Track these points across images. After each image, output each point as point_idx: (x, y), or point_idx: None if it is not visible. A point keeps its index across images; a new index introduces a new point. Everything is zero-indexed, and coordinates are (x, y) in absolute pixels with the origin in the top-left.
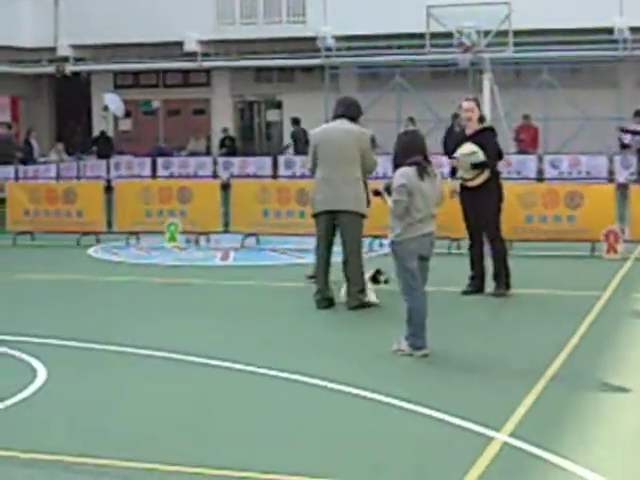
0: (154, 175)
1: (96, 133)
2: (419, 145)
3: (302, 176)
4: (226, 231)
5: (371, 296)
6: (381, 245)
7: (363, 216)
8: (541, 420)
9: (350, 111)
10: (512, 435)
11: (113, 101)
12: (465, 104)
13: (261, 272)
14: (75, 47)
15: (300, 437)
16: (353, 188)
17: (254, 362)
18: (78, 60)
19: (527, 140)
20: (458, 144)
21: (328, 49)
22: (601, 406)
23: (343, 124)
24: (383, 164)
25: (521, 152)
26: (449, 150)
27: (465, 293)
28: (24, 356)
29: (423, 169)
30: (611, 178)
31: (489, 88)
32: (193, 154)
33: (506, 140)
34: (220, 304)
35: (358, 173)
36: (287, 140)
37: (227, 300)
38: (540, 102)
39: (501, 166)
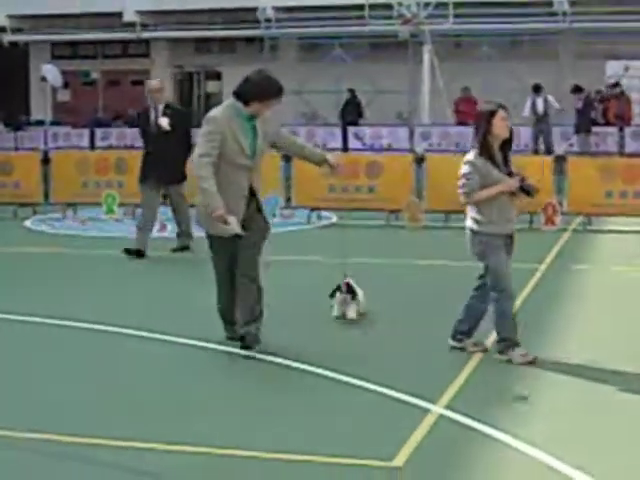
0: (92, 146)
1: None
2: None
3: None
4: (164, 203)
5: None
6: (319, 218)
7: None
8: (477, 393)
9: (238, 88)
10: (448, 407)
11: (51, 72)
12: None
13: (198, 243)
14: (13, 17)
15: (236, 409)
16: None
17: (181, 333)
18: (16, 30)
19: (466, 112)
20: None
21: (268, 20)
22: (537, 379)
23: None
24: (323, 136)
25: (460, 124)
26: None
27: None
28: None
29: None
30: (549, 150)
31: (429, 60)
32: (131, 125)
33: (446, 112)
34: (155, 275)
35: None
36: None
37: (163, 271)
38: (480, 74)
39: None
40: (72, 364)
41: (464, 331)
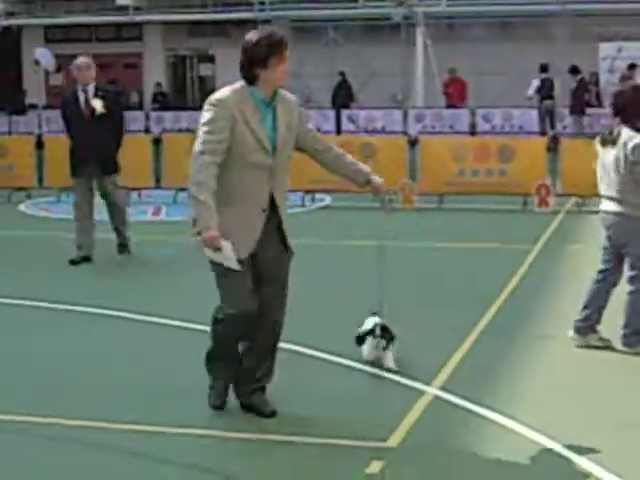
0: None
1: (28, 87)
2: None
3: None
4: (158, 186)
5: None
6: (313, 200)
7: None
8: (472, 373)
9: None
10: (443, 388)
11: (44, 55)
12: None
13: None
14: (5, 1)
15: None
16: None
17: (175, 316)
18: (9, 14)
19: (454, 94)
20: None
21: (261, 3)
22: (531, 359)
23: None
24: (316, 119)
25: (450, 106)
26: None
27: None
28: None
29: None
30: (543, 131)
31: (422, 42)
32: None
33: (438, 94)
34: (150, 260)
35: None
36: None
37: (157, 256)
38: (473, 56)
39: None
40: (67, 347)
41: (590, 325)
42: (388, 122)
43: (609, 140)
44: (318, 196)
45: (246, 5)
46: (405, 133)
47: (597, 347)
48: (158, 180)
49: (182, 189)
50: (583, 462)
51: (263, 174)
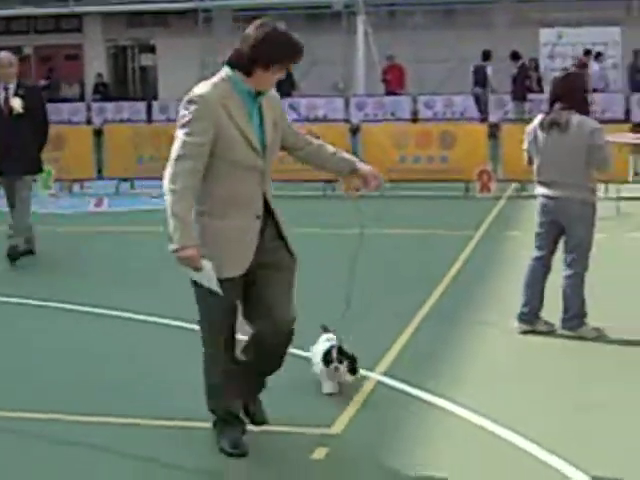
0: None
1: None
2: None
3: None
4: (100, 177)
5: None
6: None
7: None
8: (414, 359)
9: (235, 52)
10: (386, 374)
11: None
12: None
13: (136, 217)
14: None
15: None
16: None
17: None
18: None
19: (393, 80)
20: None
21: None
22: (473, 344)
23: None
24: None
25: (389, 93)
26: None
27: None
28: None
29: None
30: (483, 118)
31: (362, 30)
32: (66, 100)
33: (379, 82)
34: (92, 251)
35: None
36: (162, 85)
37: (100, 248)
38: (414, 44)
39: None
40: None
41: (534, 312)
42: (330, 110)
43: (558, 125)
44: None
45: None
46: (347, 121)
47: (541, 332)
48: (100, 171)
49: (124, 179)
50: (523, 444)
51: (254, 177)
